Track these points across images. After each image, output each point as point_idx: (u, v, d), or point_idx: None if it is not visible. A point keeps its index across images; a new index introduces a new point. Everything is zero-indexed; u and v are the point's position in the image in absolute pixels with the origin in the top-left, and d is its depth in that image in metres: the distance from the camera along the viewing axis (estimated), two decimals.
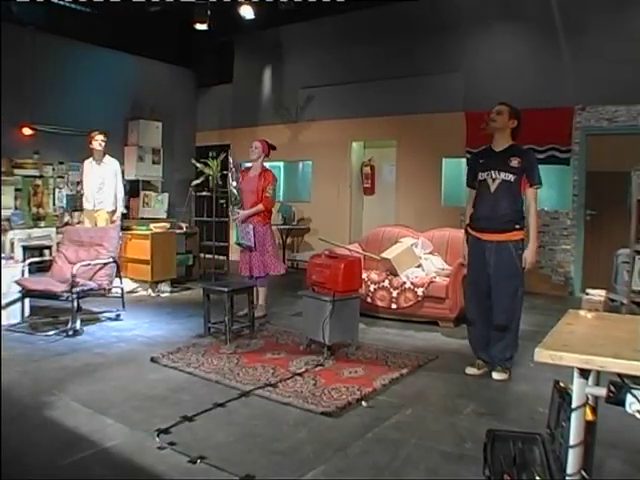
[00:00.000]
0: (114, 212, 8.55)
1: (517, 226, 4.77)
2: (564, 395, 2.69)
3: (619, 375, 2.13)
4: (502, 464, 2.83)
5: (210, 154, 10.09)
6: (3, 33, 9.39)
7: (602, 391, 2.15)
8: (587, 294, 6.96)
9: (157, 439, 3.56)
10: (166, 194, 11.81)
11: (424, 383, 4.79)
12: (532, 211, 4.82)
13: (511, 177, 4.74)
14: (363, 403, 4.25)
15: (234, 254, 10.49)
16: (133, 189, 11.82)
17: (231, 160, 7.27)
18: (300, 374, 4.87)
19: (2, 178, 9.56)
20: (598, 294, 6.82)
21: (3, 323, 6.28)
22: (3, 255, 6.98)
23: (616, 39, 8.23)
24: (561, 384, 2.79)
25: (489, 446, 2.96)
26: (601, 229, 8.57)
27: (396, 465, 3.31)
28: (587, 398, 2.20)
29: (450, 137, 9.69)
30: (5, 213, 9.58)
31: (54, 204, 10.63)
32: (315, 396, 4.34)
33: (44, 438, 3.64)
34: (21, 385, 4.57)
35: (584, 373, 2.15)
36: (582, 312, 2.99)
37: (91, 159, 8.58)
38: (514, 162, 4.77)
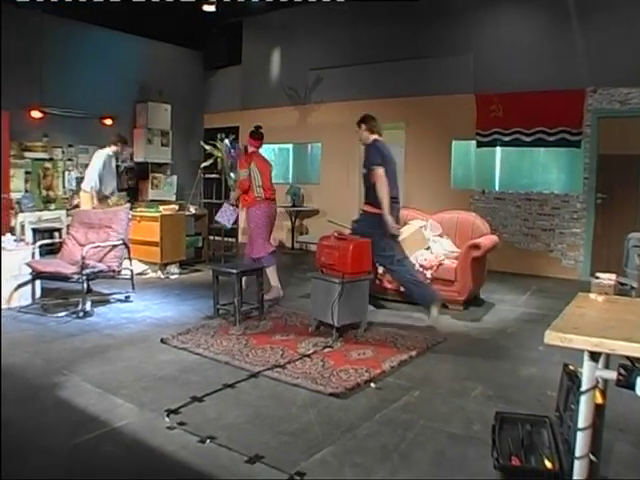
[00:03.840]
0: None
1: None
2: (573, 378, 2.69)
3: (629, 358, 2.13)
4: (510, 446, 2.84)
5: (219, 136, 10.07)
6: (12, 16, 9.38)
7: (612, 374, 2.15)
8: (597, 278, 6.93)
9: (167, 419, 3.60)
10: (175, 176, 11.82)
11: (432, 365, 4.80)
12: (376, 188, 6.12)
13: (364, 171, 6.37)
14: (372, 385, 4.27)
15: (243, 236, 10.54)
16: (142, 171, 11.84)
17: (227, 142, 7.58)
18: (309, 355, 4.89)
19: (12, 161, 9.60)
20: (608, 278, 6.79)
21: (14, 305, 6.36)
22: (14, 238, 7.01)
23: (629, 20, 8.11)
24: (570, 367, 2.79)
25: (497, 428, 2.97)
26: (612, 213, 8.51)
27: (404, 446, 3.32)
28: (597, 381, 2.20)
29: (460, 119, 9.62)
30: (15, 196, 9.63)
31: (64, 187, 10.67)
32: (324, 377, 4.36)
33: (56, 418, 3.68)
34: (33, 366, 4.61)
35: (594, 356, 2.15)
36: (592, 295, 2.98)
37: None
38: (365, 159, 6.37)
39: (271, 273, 7.08)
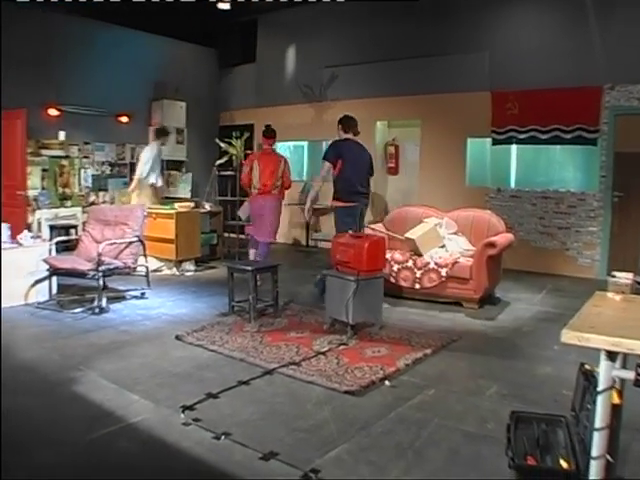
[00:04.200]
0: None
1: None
2: (589, 378, 2.67)
3: None
4: (525, 446, 2.83)
5: (234, 134, 10.09)
6: (29, 16, 9.47)
7: (630, 374, 2.13)
8: (613, 277, 6.87)
9: (182, 415, 3.62)
10: (190, 174, 11.85)
11: (447, 364, 4.79)
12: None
13: None
14: (386, 382, 4.26)
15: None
16: None
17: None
18: (323, 353, 4.90)
19: (29, 159, 9.66)
20: (625, 277, 6.73)
21: (32, 300, 6.43)
22: (31, 234, 7.07)
23: None
24: (586, 366, 2.77)
25: (512, 427, 2.96)
26: (629, 211, 8.42)
27: (418, 444, 3.32)
28: (614, 381, 2.18)
29: (475, 117, 9.57)
30: (32, 193, 9.71)
31: (80, 184, 10.74)
32: (338, 375, 4.37)
33: (72, 413, 3.71)
34: (50, 361, 4.65)
35: (611, 355, 2.13)
36: (609, 294, 2.96)
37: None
38: None
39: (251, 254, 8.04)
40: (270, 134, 8.11)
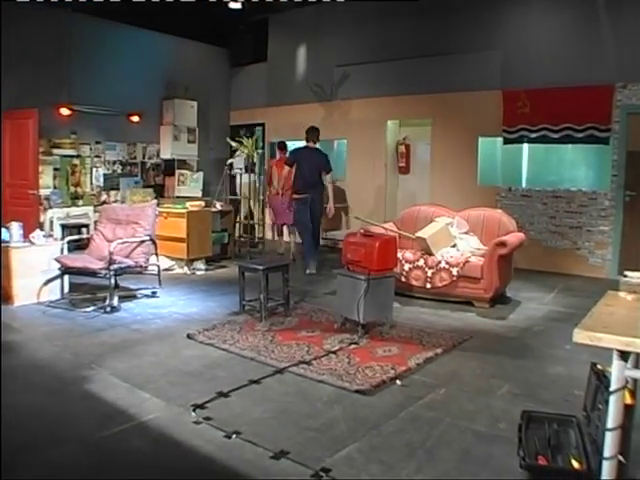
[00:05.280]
0: None
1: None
2: (601, 377, 2.67)
3: None
4: (537, 445, 2.83)
5: (245, 133, 10.12)
6: (41, 15, 9.53)
7: None
8: (625, 276, 6.84)
9: (193, 414, 3.63)
10: (201, 173, 11.88)
11: (458, 363, 4.78)
12: None
13: None
14: (397, 382, 4.26)
15: (268, 232, 10.62)
16: (168, 168, 11.93)
17: None
18: (334, 352, 4.90)
19: (41, 158, 9.70)
20: (637, 276, 6.69)
21: (44, 299, 6.49)
22: (43, 233, 7.11)
23: None
24: (598, 366, 2.76)
25: (524, 427, 2.95)
26: None
27: (429, 444, 3.32)
28: (626, 381, 2.17)
29: (486, 116, 9.53)
30: (44, 192, 9.76)
31: (91, 183, 10.79)
32: (349, 374, 4.37)
33: (84, 411, 3.73)
34: (62, 359, 4.69)
35: (624, 355, 2.13)
36: (622, 294, 2.95)
37: None
38: None
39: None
40: (281, 146, 10.32)
